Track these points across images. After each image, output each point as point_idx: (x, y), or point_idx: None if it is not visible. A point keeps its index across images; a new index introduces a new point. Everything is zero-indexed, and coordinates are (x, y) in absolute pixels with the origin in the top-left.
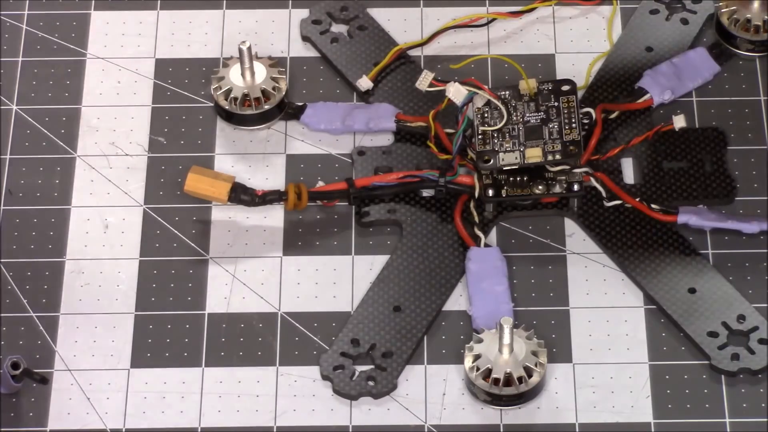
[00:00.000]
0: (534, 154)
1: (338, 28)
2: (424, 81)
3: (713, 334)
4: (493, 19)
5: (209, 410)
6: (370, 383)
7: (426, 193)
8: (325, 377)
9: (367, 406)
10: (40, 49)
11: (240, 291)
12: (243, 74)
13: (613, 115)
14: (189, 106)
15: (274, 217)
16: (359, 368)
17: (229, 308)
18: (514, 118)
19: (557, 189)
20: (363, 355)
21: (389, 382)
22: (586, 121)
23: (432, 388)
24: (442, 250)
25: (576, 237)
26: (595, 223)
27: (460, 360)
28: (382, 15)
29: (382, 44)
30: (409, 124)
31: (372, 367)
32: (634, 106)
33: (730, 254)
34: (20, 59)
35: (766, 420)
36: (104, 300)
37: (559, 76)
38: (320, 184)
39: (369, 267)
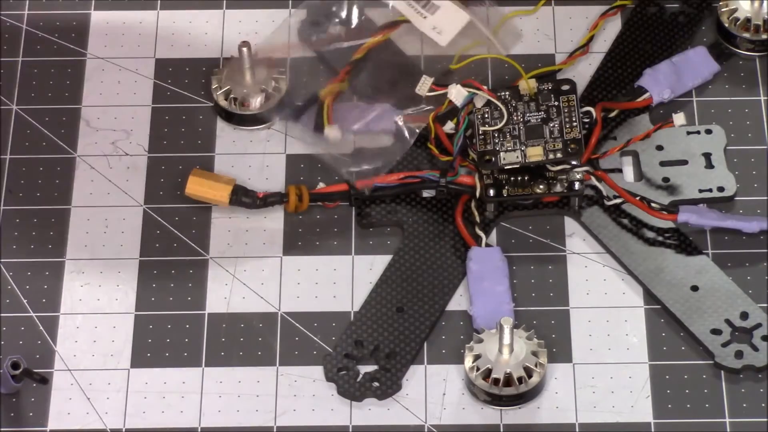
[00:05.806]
0: (535, 153)
1: (335, 30)
2: (424, 86)
3: (716, 332)
4: None
5: (209, 410)
6: (375, 384)
7: (427, 193)
8: (330, 379)
9: (367, 406)
10: (40, 49)
11: (240, 291)
12: (243, 74)
13: (612, 114)
14: (189, 106)
15: (274, 217)
16: (363, 369)
17: (229, 308)
18: (515, 117)
19: (558, 188)
20: (367, 356)
21: (394, 383)
22: (586, 120)
23: (432, 388)
24: (444, 251)
25: (576, 237)
26: (596, 222)
27: (460, 360)
28: (381, 15)
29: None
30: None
31: (376, 368)
32: (633, 104)
33: (730, 254)
34: (20, 59)
35: (766, 420)
36: (104, 299)
37: (559, 75)
38: (321, 185)
39: (369, 267)
